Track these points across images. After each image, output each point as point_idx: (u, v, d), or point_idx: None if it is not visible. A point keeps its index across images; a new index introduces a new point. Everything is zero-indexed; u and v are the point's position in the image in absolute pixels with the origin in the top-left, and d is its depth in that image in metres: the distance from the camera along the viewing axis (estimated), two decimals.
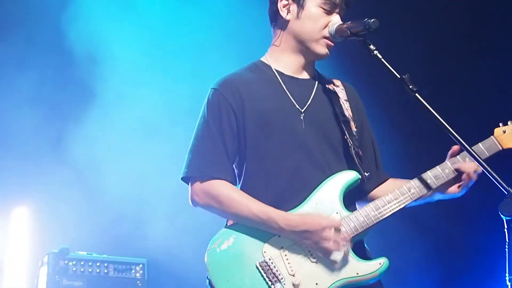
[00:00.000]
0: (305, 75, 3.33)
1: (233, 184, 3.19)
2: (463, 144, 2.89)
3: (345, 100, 3.35)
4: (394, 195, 3.12)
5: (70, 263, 5.23)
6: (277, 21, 3.32)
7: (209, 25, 6.06)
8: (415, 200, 3.14)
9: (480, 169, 3.02)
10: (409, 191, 3.12)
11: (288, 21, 3.27)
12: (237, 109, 3.20)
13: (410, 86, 2.90)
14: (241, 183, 3.23)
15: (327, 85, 3.36)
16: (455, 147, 3.15)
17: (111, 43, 5.89)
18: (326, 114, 3.27)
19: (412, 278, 5.87)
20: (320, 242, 3.01)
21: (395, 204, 3.11)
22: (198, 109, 3.27)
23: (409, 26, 5.97)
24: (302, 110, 3.24)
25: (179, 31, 6.06)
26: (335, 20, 3.20)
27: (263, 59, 3.36)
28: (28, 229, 5.80)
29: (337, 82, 3.42)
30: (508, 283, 2.64)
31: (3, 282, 5.60)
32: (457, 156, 3.16)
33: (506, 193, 2.71)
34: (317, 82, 3.34)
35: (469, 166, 3.10)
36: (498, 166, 2.88)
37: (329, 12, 3.22)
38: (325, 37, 3.22)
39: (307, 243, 3.05)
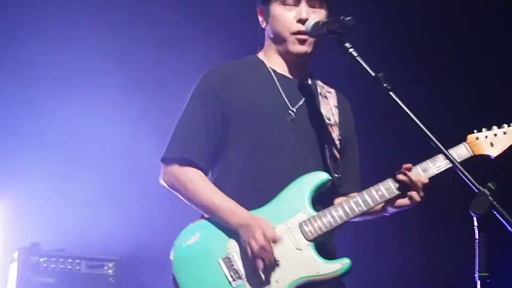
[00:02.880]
0: (298, 76, 3.36)
1: (206, 170, 3.23)
2: (438, 145, 2.88)
3: (335, 106, 3.41)
4: (362, 197, 3.15)
5: (41, 259, 5.15)
6: (263, 31, 3.39)
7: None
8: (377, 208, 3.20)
9: (426, 181, 3.11)
10: (377, 193, 3.16)
11: (265, 29, 3.36)
12: (224, 99, 3.23)
13: (385, 85, 2.92)
14: (217, 174, 3.26)
15: (319, 89, 3.40)
16: (407, 165, 3.16)
17: None
18: (314, 116, 3.30)
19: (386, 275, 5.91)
20: (249, 240, 3.02)
21: (361, 206, 3.14)
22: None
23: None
24: (293, 109, 3.27)
25: None
26: (302, 10, 3.21)
27: (258, 55, 3.41)
28: None
29: (331, 90, 3.48)
30: (477, 280, 2.67)
31: None
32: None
33: (477, 191, 2.74)
34: (310, 84, 3.39)
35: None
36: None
37: (293, 5, 3.24)
38: (294, 33, 3.23)
39: (241, 238, 3.06)
